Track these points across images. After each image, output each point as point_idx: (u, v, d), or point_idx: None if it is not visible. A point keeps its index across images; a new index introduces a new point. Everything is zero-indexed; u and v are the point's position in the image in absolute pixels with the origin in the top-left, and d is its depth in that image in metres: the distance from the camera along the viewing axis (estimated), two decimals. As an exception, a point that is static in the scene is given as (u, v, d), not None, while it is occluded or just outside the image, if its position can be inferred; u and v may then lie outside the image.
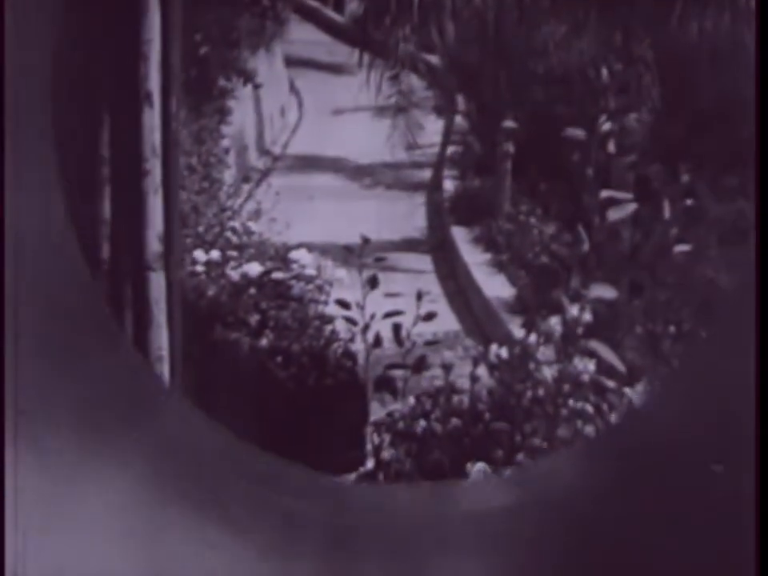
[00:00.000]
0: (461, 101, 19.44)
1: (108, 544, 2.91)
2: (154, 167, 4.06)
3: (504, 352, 6.33)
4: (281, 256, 9.26)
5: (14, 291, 2.77)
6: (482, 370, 6.36)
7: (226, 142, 15.81)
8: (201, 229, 9.95)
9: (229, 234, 9.94)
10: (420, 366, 7.54)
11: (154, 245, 4.11)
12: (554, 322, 6.17)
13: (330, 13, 26.03)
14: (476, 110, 17.89)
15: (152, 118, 4.05)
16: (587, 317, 6.19)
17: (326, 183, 18.42)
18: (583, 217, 9.97)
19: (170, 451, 3.31)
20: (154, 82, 4.02)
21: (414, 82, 18.24)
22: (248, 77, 17.08)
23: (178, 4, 4.00)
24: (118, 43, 3.86)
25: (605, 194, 8.63)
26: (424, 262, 15.12)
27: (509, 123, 15.22)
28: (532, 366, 6.04)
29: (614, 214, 8.65)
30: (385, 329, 7.92)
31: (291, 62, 22.78)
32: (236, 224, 10.36)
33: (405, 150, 16.76)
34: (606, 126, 8.85)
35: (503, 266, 13.78)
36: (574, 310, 6.25)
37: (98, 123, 4.06)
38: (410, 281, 12.59)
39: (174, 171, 4.23)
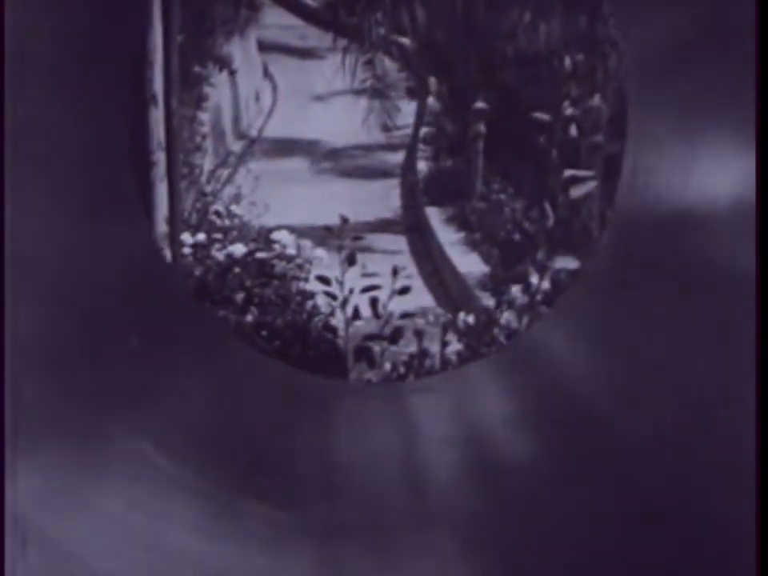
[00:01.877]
0: (433, 83, 19.77)
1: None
2: (159, 159, 4.78)
3: (471, 319, 7.07)
4: (263, 237, 9.92)
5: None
6: (450, 336, 7.08)
7: (203, 129, 16.34)
8: (185, 213, 10.58)
9: (213, 217, 10.60)
10: (396, 336, 8.28)
11: (161, 226, 4.82)
12: (515, 290, 6.90)
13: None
14: (448, 91, 18.20)
15: (157, 116, 4.76)
16: (546, 285, 6.91)
17: (302, 166, 18.90)
18: (548, 194, 10.74)
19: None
20: (158, 85, 4.73)
21: (388, 64, 18.76)
22: (223, 63, 17.63)
23: (176, 19, 4.71)
24: (127, 52, 4.55)
25: (568, 172, 9.38)
26: (399, 242, 15.58)
27: (480, 104, 15.73)
28: (496, 330, 6.77)
29: (576, 191, 9.37)
30: (363, 303, 8.65)
31: (265, 47, 23.15)
32: (220, 208, 11.03)
33: (381, 131, 17.28)
34: (569, 111, 9.54)
35: (476, 244, 14.24)
36: (534, 279, 6.99)
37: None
38: (386, 261, 13.14)
39: (175, 162, 4.94)
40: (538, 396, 3.83)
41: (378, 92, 16.56)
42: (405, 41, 20.51)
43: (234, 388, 4.13)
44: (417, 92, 20.58)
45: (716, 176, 3.18)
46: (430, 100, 19.95)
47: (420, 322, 8.47)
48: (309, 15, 24.40)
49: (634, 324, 3.49)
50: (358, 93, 16.88)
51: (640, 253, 3.61)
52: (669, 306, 3.32)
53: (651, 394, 3.34)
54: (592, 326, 3.85)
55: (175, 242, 4.94)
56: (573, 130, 10.07)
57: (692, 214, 3.26)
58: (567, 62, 11.20)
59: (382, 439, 3.92)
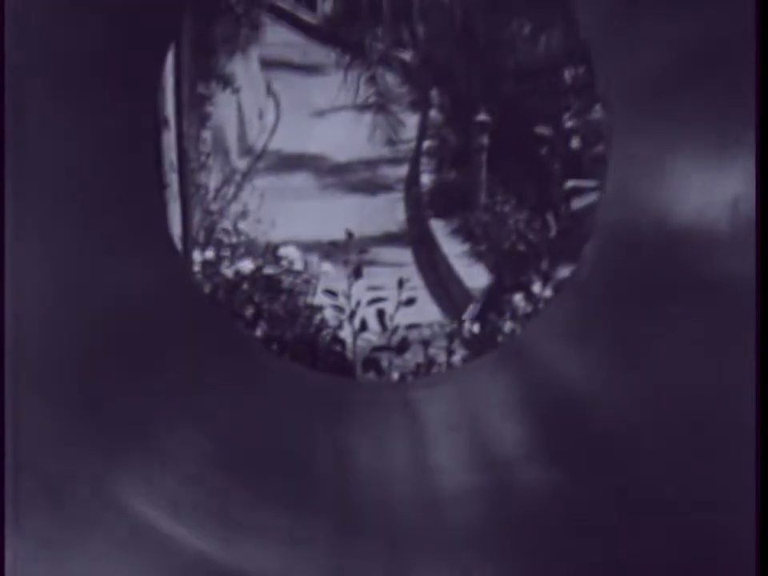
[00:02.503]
0: (435, 95, 19.92)
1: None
2: (172, 180, 5.02)
3: (476, 328, 7.29)
4: (270, 253, 10.16)
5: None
6: (456, 345, 7.30)
7: (207, 147, 16.58)
8: (193, 232, 10.84)
9: (221, 235, 10.85)
10: (403, 346, 8.49)
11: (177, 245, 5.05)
12: (518, 299, 7.12)
13: (303, 13, 26.54)
14: (450, 103, 18.43)
15: (169, 139, 5.00)
16: (548, 293, 7.14)
17: (307, 182, 19.12)
18: (551, 205, 10.96)
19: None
20: (169, 108, 4.96)
21: (390, 79, 18.94)
22: (226, 81, 17.88)
23: (187, 50, 4.95)
24: (141, 77, 4.79)
25: (570, 183, 9.60)
26: (404, 254, 15.76)
27: (482, 116, 15.92)
28: (500, 338, 6.99)
29: (577, 202, 9.59)
30: (369, 315, 8.87)
31: (267, 65, 23.38)
32: (227, 225, 11.28)
33: (385, 145, 17.49)
34: (570, 123, 9.77)
35: (481, 255, 14.48)
36: (536, 288, 7.22)
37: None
38: (392, 273, 13.31)
39: (187, 182, 5.18)
40: (529, 391, 4.04)
41: (382, 107, 16.76)
42: (406, 55, 20.75)
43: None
44: (419, 105, 20.76)
45: (700, 188, 3.32)
46: (433, 113, 20.14)
47: (427, 332, 8.69)
48: (310, 32, 24.67)
49: (622, 327, 3.68)
50: (361, 108, 17.11)
51: (622, 262, 3.80)
52: (654, 312, 3.51)
53: (633, 385, 3.48)
54: (579, 329, 4.05)
55: (187, 260, 5.17)
56: (574, 142, 10.29)
57: (674, 225, 3.44)
58: (567, 74, 11.43)
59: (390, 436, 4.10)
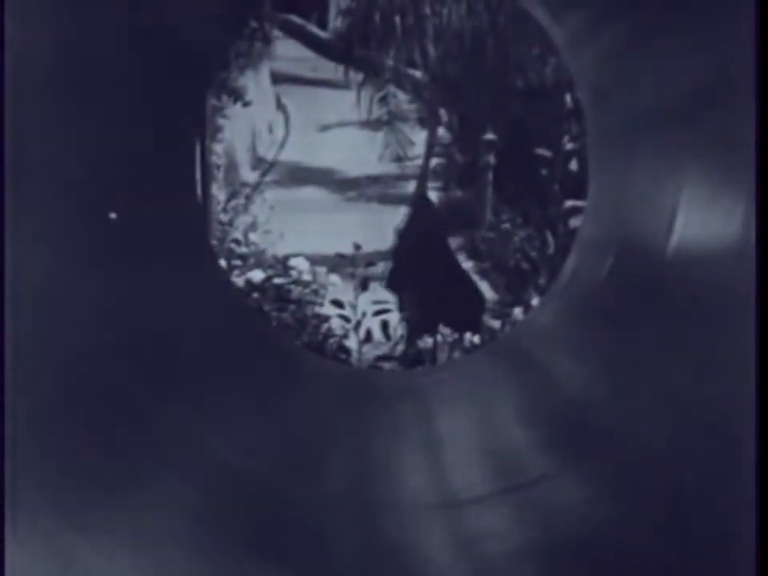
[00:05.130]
0: (443, 114, 20.26)
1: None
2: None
3: (477, 339, 7.80)
4: (280, 264, 10.64)
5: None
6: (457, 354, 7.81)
7: (217, 160, 16.98)
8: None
9: (232, 245, 11.34)
10: (406, 357, 9.03)
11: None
12: (517, 312, 7.63)
13: (315, 29, 26.90)
14: (458, 122, 18.80)
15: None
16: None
17: (315, 196, 19.58)
18: (549, 224, 11.47)
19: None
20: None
21: (400, 96, 19.30)
22: (237, 95, 18.30)
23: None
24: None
25: (568, 203, 10.11)
26: None
27: (489, 136, 16.33)
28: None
29: (575, 222, 10.10)
30: (374, 325, 9.41)
31: (277, 79, 23.80)
32: (238, 236, 11.78)
33: (393, 162, 17.88)
34: (570, 146, 10.26)
35: (486, 273, 14.74)
36: (535, 302, 7.73)
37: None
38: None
39: (209, 195, 5.69)
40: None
41: (392, 125, 17.12)
42: (417, 74, 21.16)
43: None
44: (427, 122, 21.10)
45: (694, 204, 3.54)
46: (441, 130, 20.45)
47: (428, 342, 9.19)
48: (321, 48, 25.01)
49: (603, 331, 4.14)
50: (370, 124, 17.53)
51: (594, 272, 4.25)
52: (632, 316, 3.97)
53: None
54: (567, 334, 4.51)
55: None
56: (573, 164, 10.77)
57: (648, 242, 3.89)
58: (568, 98, 11.88)
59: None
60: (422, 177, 19.84)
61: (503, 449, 4.13)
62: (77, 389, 3.16)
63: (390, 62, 17.61)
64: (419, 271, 10.96)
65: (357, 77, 16.53)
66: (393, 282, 11.18)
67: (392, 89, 16.35)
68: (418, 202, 12.73)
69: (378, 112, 16.29)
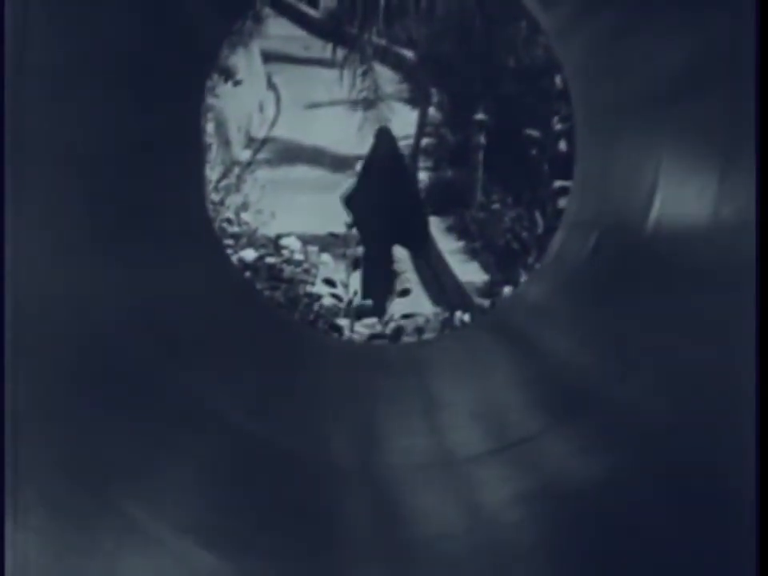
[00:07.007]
0: (434, 93, 20.36)
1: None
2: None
3: (467, 317, 8.00)
4: (272, 243, 10.80)
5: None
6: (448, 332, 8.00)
7: (209, 139, 17.11)
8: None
9: (225, 224, 11.49)
10: (397, 335, 9.21)
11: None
12: (507, 291, 7.83)
13: (306, 7, 26.97)
14: (448, 102, 18.85)
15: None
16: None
17: (306, 175, 19.70)
18: (539, 204, 11.66)
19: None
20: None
21: (388, 74, 19.36)
22: (228, 74, 18.43)
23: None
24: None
25: (557, 183, 10.29)
26: (400, 250, 16.29)
27: (480, 115, 16.45)
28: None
29: (564, 202, 10.27)
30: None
31: (268, 58, 23.93)
32: (230, 215, 11.95)
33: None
34: (559, 126, 10.41)
35: (476, 253, 14.83)
36: (523, 280, 7.92)
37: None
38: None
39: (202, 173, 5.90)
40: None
41: (372, 102, 17.22)
42: (406, 52, 21.27)
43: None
44: (418, 102, 21.19)
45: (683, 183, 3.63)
46: (431, 110, 20.53)
47: (420, 320, 9.38)
48: (312, 26, 25.10)
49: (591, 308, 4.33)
50: (359, 103, 17.65)
51: (585, 250, 4.44)
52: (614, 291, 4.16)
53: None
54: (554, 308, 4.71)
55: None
56: (562, 145, 10.91)
57: (634, 221, 4.07)
58: (557, 79, 12.01)
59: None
60: (413, 156, 19.97)
61: (496, 410, 4.33)
62: (79, 375, 3.21)
63: (376, 40, 17.68)
64: (376, 193, 12.42)
65: (341, 54, 16.64)
66: (350, 200, 12.58)
67: (375, 65, 16.37)
68: (380, 130, 13.63)
69: (362, 90, 16.35)
